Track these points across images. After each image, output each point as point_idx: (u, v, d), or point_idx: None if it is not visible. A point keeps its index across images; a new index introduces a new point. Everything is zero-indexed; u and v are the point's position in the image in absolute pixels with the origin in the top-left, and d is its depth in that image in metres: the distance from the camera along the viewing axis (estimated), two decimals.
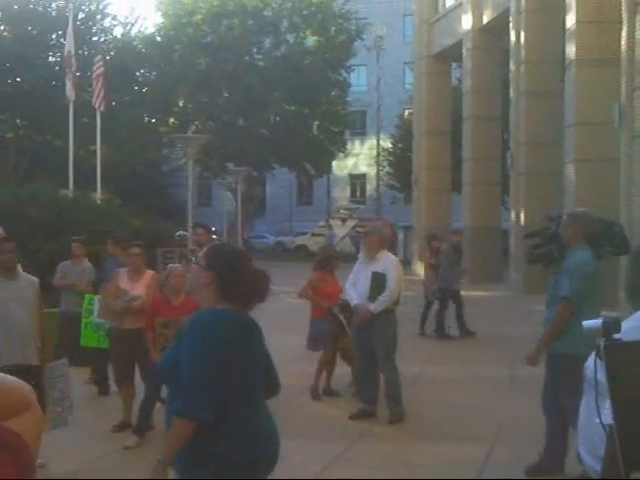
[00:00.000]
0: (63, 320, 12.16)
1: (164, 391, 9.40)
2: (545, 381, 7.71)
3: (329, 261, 11.77)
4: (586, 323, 3.46)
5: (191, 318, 4.11)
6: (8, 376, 1.43)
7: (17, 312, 8.13)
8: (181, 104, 53.10)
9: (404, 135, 51.45)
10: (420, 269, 37.00)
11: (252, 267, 4.12)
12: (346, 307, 11.03)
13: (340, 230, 52.47)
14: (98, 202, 25.64)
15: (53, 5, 47.31)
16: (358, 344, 10.27)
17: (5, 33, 47.16)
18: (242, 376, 4.01)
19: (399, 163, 53.62)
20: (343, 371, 11.68)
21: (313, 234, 54.31)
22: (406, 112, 57.69)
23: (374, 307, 9.87)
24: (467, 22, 34.11)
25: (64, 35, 37.09)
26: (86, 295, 11.92)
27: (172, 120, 53.11)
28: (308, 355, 11.97)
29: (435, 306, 18.03)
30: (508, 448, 8.78)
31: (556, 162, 26.77)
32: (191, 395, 3.83)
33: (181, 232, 22.68)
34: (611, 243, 8.42)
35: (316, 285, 11.62)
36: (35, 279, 8.83)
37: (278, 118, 52.29)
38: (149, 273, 10.17)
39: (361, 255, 10.53)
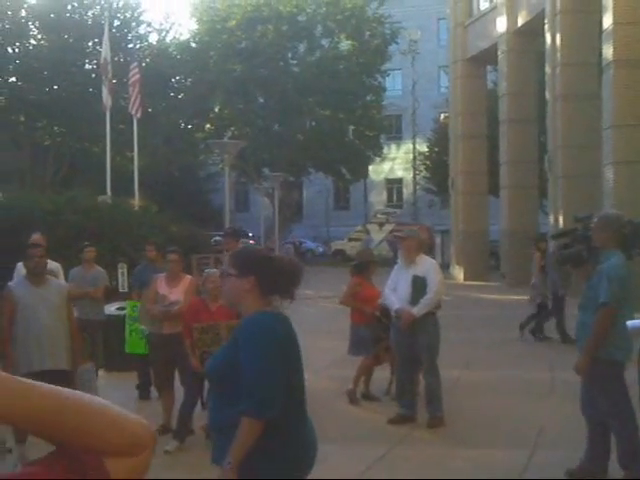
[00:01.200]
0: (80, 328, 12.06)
1: (205, 396, 9.47)
2: (583, 385, 7.64)
3: (367, 265, 11.73)
4: (630, 323, 3.41)
5: (244, 322, 4.09)
6: (131, 415, 1.41)
7: (46, 318, 8.19)
8: (217, 110, 53.23)
9: (440, 139, 51.31)
10: (459, 273, 36.96)
11: (281, 257, 4.24)
12: (386, 312, 11.00)
13: (377, 234, 52.38)
14: (136, 208, 25.77)
15: (89, 13, 47.68)
16: (399, 348, 10.23)
17: (42, 41, 47.60)
18: (295, 376, 4.05)
19: (435, 167, 53.47)
20: (382, 375, 11.64)
21: (350, 239, 54.25)
22: (442, 116, 57.47)
23: (417, 310, 9.82)
24: (502, 25, 33.96)
25: (100, 42, 37.35)
26: (130, 302, 11.96)
27: (208, 126, 53.32)
28: (346, 359, 11.94)
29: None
30: (549, 452, 8.70)
31: (594, 164, 26.56)
32: (260, 396, 3.86)
33: (218, 238, 22.76)
34: None
35: (354, 290, 11.59)
36: (64, 284, 8.90)
37: (314, 123, 52.35)
38: (187, 278, 10.19)
39: (400, 260, 10.49)
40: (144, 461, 1.44)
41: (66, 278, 11.80)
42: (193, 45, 53.37)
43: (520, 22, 33.12)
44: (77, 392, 1.44)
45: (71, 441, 1.38)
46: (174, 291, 9.94)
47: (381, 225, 53.84)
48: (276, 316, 4.06)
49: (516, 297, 26.80)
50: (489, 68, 40.99)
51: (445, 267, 34.91)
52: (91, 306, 12.09)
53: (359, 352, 11.54)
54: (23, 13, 47.67)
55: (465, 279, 35.73)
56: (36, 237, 11.81)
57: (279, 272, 4.02)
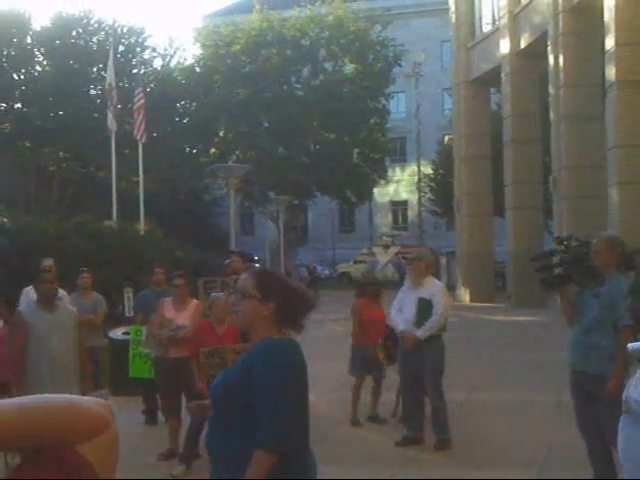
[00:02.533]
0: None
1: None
2: (578, 402, 7.62)
3: (370, 288, 11.81)
4: (631, 346, 3.42)
5: (260, 349, 3.91)
6: (84, 397, 1.43)
7: (57, 344, 8.21)
8: (221, 134, 53.42)
9: (444, 161, 51.40)
10: (464, 294, 36.91)
11: (298, 287, 4.10)
12: (390, 337, 11.07)
13: (383, 257, 52.44)
14: (141, 233, 25.83)
15: (94, 39, 47.98)
16: (404, 370, 10.23)
17: (47, 67, 47.89)
18: (306, 404, 4.02)
19: (440, 189, 53.55)
20: (389, 398, 11.63)
21: (356, 261, 54.25)
22: (446, 138, 57.63)
23: (421, 333, 9.84)
24: (505, 47, 34.10)
25: (105, 68, 37.62)
26: (133, 327, 11.95)
27: (213, 150, 53.47)
28: (352, 382, 11.93)
29: None
30: (557, 473, 8.68)
31: (599, 185, 26.60)
32: (278, 428, 3.76)
33: (228, 260, 22.76)
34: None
35: (358, 312, 11.67)
36: (73, 310, 8.92)
37: (318, 146, 52.49)
38: (193, 302, 10.22)
39: (407, 281, 10.52)
40: (112, 435, 1.48)
41: None
42: (197, 70, 53.64)
43: (523, 44, 33.26)
44: (35, 396, 1.47)
45: (42, 443, 1.41)
46: (181, 315, 9.96)
47: (386, 247, 53.93)
48: (290, 343, 3.96)
49: (522, 318, 26.81)
50: (492, 90, 41.09)
51: (451, 289, 34.89)
52: (90, 333, 11.81)
53: (354, 373, 11.68)
54: (28, 40, 48.02)
55: (471, 300, 35.69)
56: (48, 263, 11.86)
57: (297, 302, 3.95)
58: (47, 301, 8.39)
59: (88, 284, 12.32)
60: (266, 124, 52.67)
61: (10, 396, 7.84)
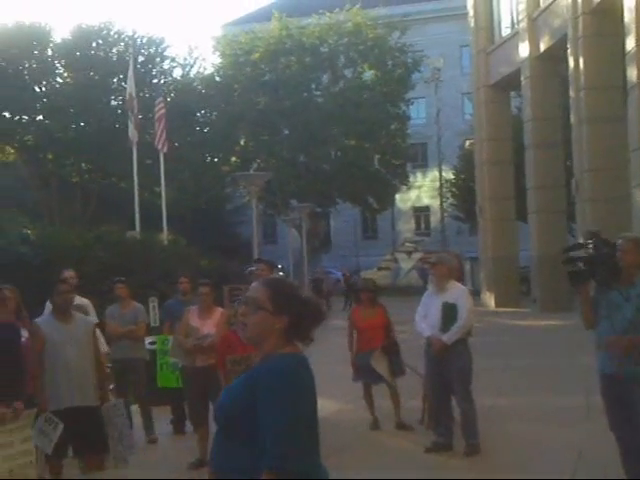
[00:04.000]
0: (119, 367, 11.47)
1: None
2: (610, 405, 7.53)
3: (365, 294, 11.96)
4: None
5: (268, 366, 3.73)
6: None
7: (73, 354, 8.21)
8: (242, 143, 53.53)
9: (466, 166, 51.27)
10: (489, 299, 36.76)
11: (310, 299, 3.92)
12: (388, 347, 11.22)
13: (406, 263, 52.35)
14: (164, 242, 25.88)
15: (114, 50, 48.22)
16: (431, 376, 10.18)
17: (68, 79, 48.21)
18: (314, 420, 3.90)
19: (462, 194, 53.39)
20: (415, 405, 11.57)
21: (379, 268, 54.14)
22: (467, 143, 57.46)
23: (447, 338, 9.78)
24: (524, 50, 33.97)
25: (125, 79, 37.79)
26: (159, 336, 11.92)
27: (234, 159, 53.58)
28: (377, 389, 11.89)
29: None
30: (589, 477, 8.60)
31: (622, 187, 26.44)
32: (285, 449, 3.60)
33: (252, 268, 22.75)
34: None
35: (354, 319, 11.88)
36: (91, 320, 8.94)
37: (339, 153, 52.49)
38: (219, 311, 10.22)
39: (430, 286, 10.48)
40: None
41: (99, 314, 11.78)
42: (217, 79, 53.76)
43: (542, 47, 33.12)
44: None
45: None
46: (206, 323, 9.97)
47: (409, 253, 53.81)
48: (298, 359, 3.79)
49: (548, 322, 26.67)
50: (513, 94, 40.96)
51: (475, 294, 34.76)
52: (132, 345, 11.63)
53: (355, 379, 11.80)
54: (49, 52, 48.33)
55: (496, 305, 35.53)
56: (68, 273, 11.80)
57: (306, 315, 3.79)
58: (63, 311, 8.40)
59: (125, 294, 11.92)
60: (286, 132, 52.74)
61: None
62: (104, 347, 10.86)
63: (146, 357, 11.99)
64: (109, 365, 10.88)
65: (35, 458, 7.63)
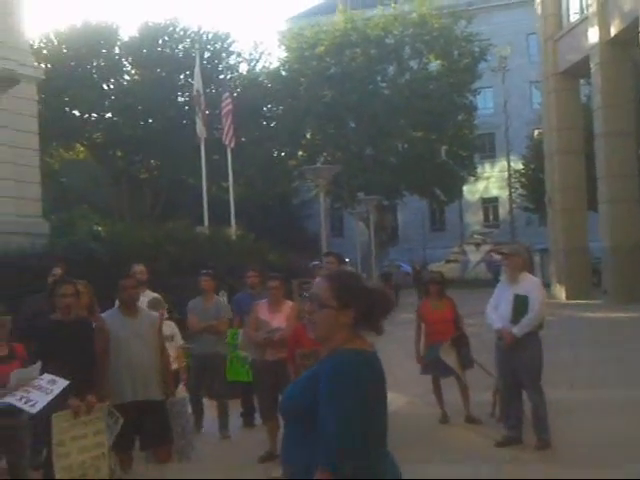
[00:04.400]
0: (198, 362, 11.46)
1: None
2: None
3: (434, 287, 11.87)
4: None
5: (331, 362, 3.68)
6: None
7: (138, 349, 8.28)
8: (309, 136, 53.56)
9: (535, 156, 50.73)
10: (560, 291, 36.30)
11: (376, 288, 3.86)
12: (457, 339, 11.14)
13: (475, 255, 52.01)
14: (233, 237, 26.01)
15: (180, 46, 48.59)
16: (501, 369, 10.09)
17: (136, 77, 48.68)
18: (379, 417, 3.83)
19: (531, 184, 52.84)
20: (485, 399, 11.47)
21: (447, 260, 53.85)
22: (535, 132, 56.82)
23: (517, 330, 9.67)
24: (594, 36, 33.45)
25: (192, 75, 38.06)
26: (230, 330, 11.92)
27: (301, 153, 53.64)
28: (445, 383, 11.81)
29: None
30: None
31: None
32: (341, 448, 3.55)
33: (316, 262, 22.76)
34: None
35: (421, 312, 11.75)
36: (155, 315, 8.99)
37: (406, 145, 52.23)
38: (288, 304, 10.24)
39: (502, 278, 10.38)
40: None
41: (177, 310, 11.78)
42: (283, 73, 53.85)
43: (613, 32, 32.57)
44: None
45: None
46: (276, 317, 10.00)
47: (478, 245, 53.45)
48: (364, 355, 3.73)
49: (620, 314, 26.27)
50: (582, 81, 40.39)
51: (546, 286, 34.34)
52: (214, 340, 11.45)
53: (424, 372, 11.78)
54: (117, 50, 48.85)
55: (567, 298, 35.10)
56: (138, 267, 11.86)
57: (374, 305, 3.73)
58: (128, 306, 8.49)
59: (210, 287, 11.69)
60: (353, 125, 52.64)
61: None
62: (180, 341, 10.93)
63: (227, 353, 11.80)
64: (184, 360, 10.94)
65: (107, 450, 7.72)
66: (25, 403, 7.08)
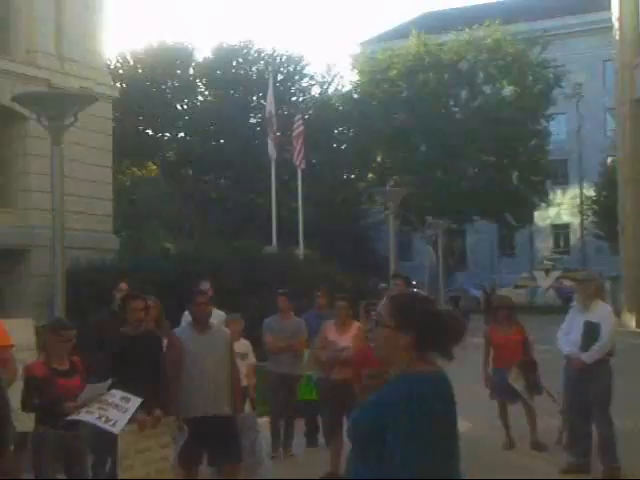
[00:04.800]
0: (274, 381, 11.40)
1: None
2: None
3: (502, 311, 11.77)
4: None
5: (395, 386, 3.65)
6: None
7: (210, 365, 8.32)
8: (379, 159, 53.53)
9: (608, 183, 50.09)
10: (630, 320, 35.69)
11: (444, 311, 3.80)
12: (525, 365, 11.03)
13: (544, 281, 51.42)
14: (301, 258, 26.07)
15: (253, 68, 49.07)
16: (570, 395, 9.95)
17: (209, 97, 49.20)
18: (450, 446, 3.75)
19: (603, 212, 52.15)
20: (551, 425, 11.30)
21: (516, 286, 53.30)
22: (609, 159, 56.10)
23: (587, 357, 9.54)
24: None
25: (264, 97, 38.39)
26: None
27: (370, 175, 53.61)
28: (512, 407, 11.68)
29: None
30: None
31: None
32: (408, 475, 3.46)
33: (383, 284, 22.72)
34: None
35: (489, 336, 11.63)
36: (227, 331, 9.03)
37: (477, 169, 51.91)
38: (355, 325, 10.25)
39: (574, 304, 10.27)
40: None
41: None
42: (355, 96, 53.94)
43: None
44: None
45: None
46: (343, 337, 10.00)
47: (548, 272, 52.85)
48: (431, 378, 3.65)
49: None
50: None
51: (616, 314, 33.80)
52: (291, 359, 11.36)
53: (492, 397, 11.59)
54: (191, 71, 49.44)
55: (637, 326, 34.52)
56: (204, 285, 11.96)
57: (443, 330, 3.66)
58: (201, 322, 8.54)
59: (286, 306, 11.59)
60: (424, 148, 52.47)
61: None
62: (252, 359, 10.95)
63: (303, 373, 11.59)
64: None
65: (172, 464, 7.76)
66: (106, 422, 7.13)
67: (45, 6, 25.49)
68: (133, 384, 7.47)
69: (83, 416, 7.17)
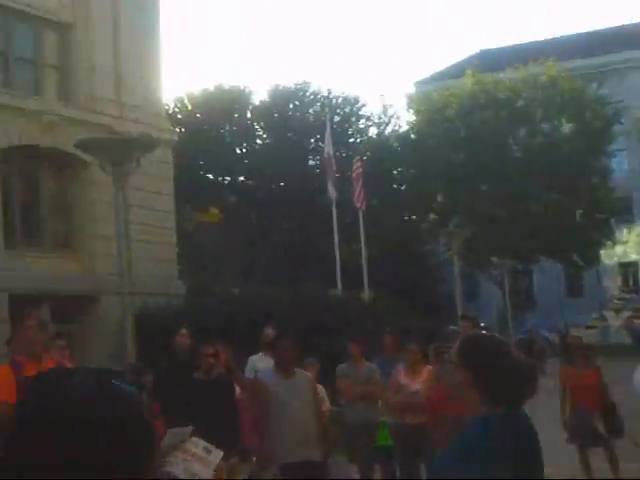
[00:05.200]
0: (352, 429, 11.13)
1: None
2: None
3: (580, 353, 11.53)
4: None
5: (468, 427, 3.64)
6: None
7: (297, 409, 8.21)
8: (439, 199, 53.27)
9: None
10: None
11: (515, 359, 3.67)
12: (604, 407, 10.74)
13: (615, 321, 50.65)
14: (366, 300, 25.93)
15: (310, 111, 49.30)
16: None
17: (267, 140, 49.53)
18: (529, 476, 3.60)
19: None
20: (635, 468, 10.97)
21: (587, 326, 52.45)
22: None
23: None
24: None
25: (322, 139, 38.49)
26: None
27: (432, 216, 53.33)
28: (593, 452, 11.36)
29: None
30: None
31: None
32: None
33: (453, 327, 22.42)
34: None
35: (566, 378, 11.41)
36: (309, 375, 8.91)
37: (539, 208, 51.38)
38: (427, 368, 10.09)
39: None
40: None
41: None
42: (412, 136, 53.87)
43: None
44: None
45: None
46: (415, 381, 9.86)
47: (618, 311, 52.06)
48: (507, 419, 3.53)
49: None
50: None
51: None
52: (367, 406, 11.17)
53: (570, 440, 11.35)
54: (249, 115, 49.81)
55: None
56: (268, 330, 11.95)
57: (502, 376, 3.58)
58: (285, 367, 8.43)
59: (358, 353, 11.55)
60: (485, 187, 52.10)
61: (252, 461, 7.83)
62: (327, 404, 10.77)
63: (379, 419, 11.31)
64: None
65: None
66: (190, 476, 7.01)
67: (104, 54, 25.89)
68: (207, 429, 7.36)
69: (169, 468, 7.05)
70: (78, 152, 18.35)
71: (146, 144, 14.15)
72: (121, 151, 10.93)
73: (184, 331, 11.73)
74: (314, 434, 8.33)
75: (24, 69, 25.80)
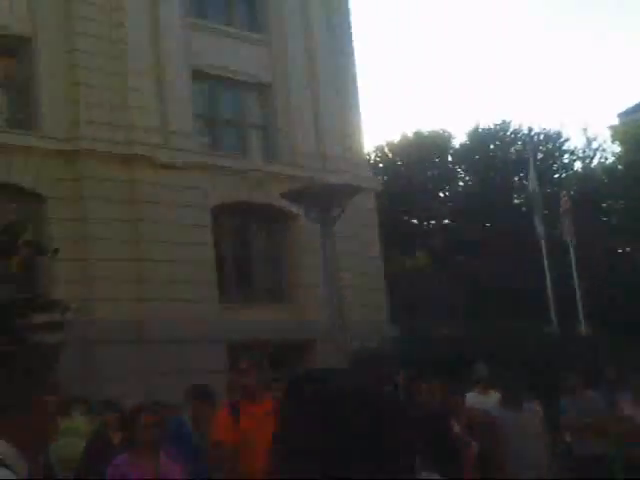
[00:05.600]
0: (582, 464, 10.83)
1: None
2: None
3: None
4: None
5: None
6: None
7: (532, 442, 8.04)
8: None
9: None
10: None
11: None
12: None
13: None
14: (584, 335, 25.35)
15: (512, 149, 48.83)
16: None
17: (469, 182, 49.33)
18: None
19: None
20: None
21: None
22: None
23: None
24: None
25: (526, 177, 38.06)
26: None
27: None
28: None
29: None
30: None
31: None
32: None
33: None
34: None
35: None
36: (538, 408, 8.72)
37: None
38: None
39: None
40: None
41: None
42: (619, 167, 52.33)
43: None
44: None
45: None
46: None
47: None
48: None
49: None
50: None
51: None
52: (596, 439, 10.82)
53: None
54: (449, 158, 49.82)
55: None
56: (479, 366, 11.82)
57: None
58: (514, 402, 8.32)
59: (579, 385, 11.51)
60: None
61: None
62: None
63: (610, 452, 10.81)
64: None
65: None
66: None
67: (303, 109, 26.49)
68: (430, 465, 7.27)
69: None
70: (285, 205, 18.83)
71: (349, 190, 14.40)
72: (325, 198, 11.10)
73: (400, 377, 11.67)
74: (548, 471, 8.14)
75: (229, 131, 26.81)
